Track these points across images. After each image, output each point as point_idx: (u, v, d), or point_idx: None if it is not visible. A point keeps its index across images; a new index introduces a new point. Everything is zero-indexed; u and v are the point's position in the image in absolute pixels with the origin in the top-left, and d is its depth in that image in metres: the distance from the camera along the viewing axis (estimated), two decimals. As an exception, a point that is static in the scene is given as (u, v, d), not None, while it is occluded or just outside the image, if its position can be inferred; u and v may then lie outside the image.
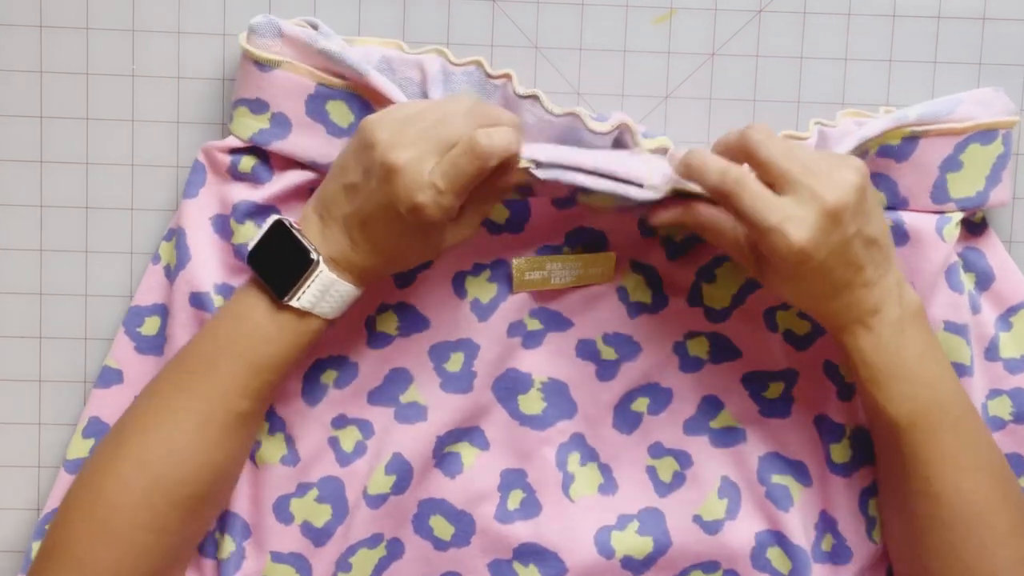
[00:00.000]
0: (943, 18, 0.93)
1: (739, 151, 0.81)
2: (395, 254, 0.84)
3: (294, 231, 0.84)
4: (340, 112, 0.89)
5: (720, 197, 0.81)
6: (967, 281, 0.91)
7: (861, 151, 0.88)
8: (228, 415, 0.83)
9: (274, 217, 0.85)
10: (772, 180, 0.80)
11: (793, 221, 0.78)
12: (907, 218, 0.90)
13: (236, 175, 0.90)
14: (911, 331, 0.82)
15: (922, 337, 0.83)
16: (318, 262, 0.82)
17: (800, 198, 0.79)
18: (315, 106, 0.89)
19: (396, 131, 0.81)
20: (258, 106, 0.89)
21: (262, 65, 0.88)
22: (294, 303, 0.83)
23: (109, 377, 0.92)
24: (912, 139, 0.88)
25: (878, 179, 0.89)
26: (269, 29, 0.88)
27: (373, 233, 0.82)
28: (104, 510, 0.82)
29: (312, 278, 0.83)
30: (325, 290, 0.83)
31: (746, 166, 0.81)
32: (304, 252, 0.83)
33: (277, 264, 0.83)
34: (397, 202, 0.80)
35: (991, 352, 0.91)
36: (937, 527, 0.83)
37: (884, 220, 0.83)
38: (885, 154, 0.88)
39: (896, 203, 0.90)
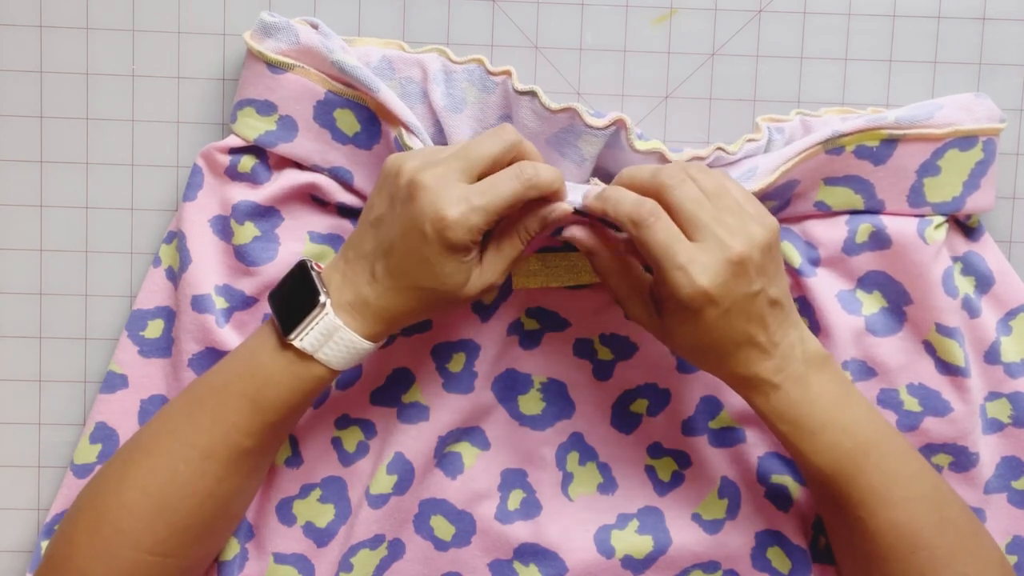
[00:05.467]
0: (943, 18, 0.93)
1: (651, 191, 0.81)
2: (413, 291, 0.81)
3: (312, 272, 0.83)
4: (347, 120, 0.89)
5: (632, 227, 0.80)
6: (967, 284, 0.91)
7: (835, 145, 0.88)
8: (231, 451, 0.83)
9: (300, 258, 0.84)
10: (681, 224, 0.80)
11: (698, 264, 0.78)
12: (888, 223, 0.89)
13: (235, 175, 0.90)
14: (817, 381, 0.82)
15: (832, 385, 0.83)
16: (324, 304, 0.81)
17: (707, 245, 0.79)
18: (323, 112, 0.89)
19: (423, 157, 0.81)
20: (266, 107, 0.89)
21: (274, 67, 0.88)
22: (296, 343, 0.81)
23: (114, 382, 0.92)
24: (890, 142, 0.88)
25: (855, 181, 0.89)
26: (287, 34, 0.88)
27: (392, 262, 0.81)
28: (108, 531, 0.82)
29: (317, 319, 0.81)
30: (329, 334, 0.81)
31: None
32: (315, 293, 0.82)
33: (290, 304, 0.82)
34: (422, 218, 0.79)
35: (991, 355, 0.91)
36: (878, 561, 0.83)
37: (787, 280, 0.83)
38: (863, 156, 0.88)
39: (873, 205, 0.90)
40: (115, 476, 0.84)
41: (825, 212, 0.90)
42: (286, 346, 0.82)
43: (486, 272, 0.83)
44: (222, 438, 0.83)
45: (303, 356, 0.82)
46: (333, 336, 0.81)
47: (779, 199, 0.89)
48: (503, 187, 0.80)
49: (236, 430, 0.83)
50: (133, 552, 0.82)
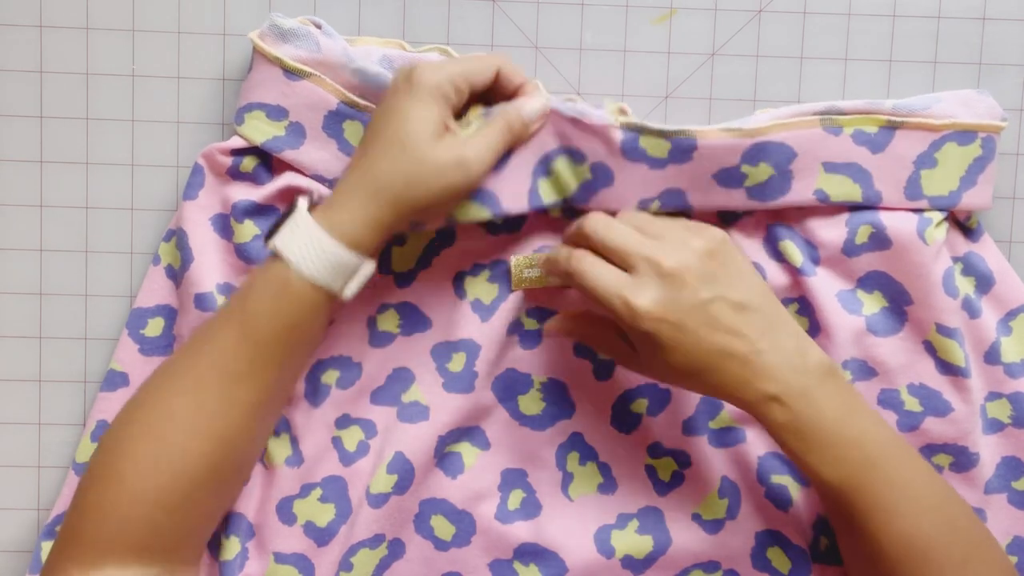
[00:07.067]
0: (943, 18, 0.93)
1: (580, 240, 0.83)
2: (378, 144, 0.82)
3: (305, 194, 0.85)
4: (355, 132, 0.89)
5: (570, 281, 0.82)
6: (967, 285, 0.91)
7: (833, 124, 0.88)
8: (222, 378, 0.82)
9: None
10: (615, 261, 0.81)
11: (633, 287, 0.80)
12: (887, 222, 0.89)
13: (236, 175, 0.90)
14: (823, 394, 0.81)
15: (838, 396, 0.82)
16: (297, 203, 0.82)
17: (639, 269, 0.80)
18: (332, 122, 0.89)
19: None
20: (277, 112, 0.89)
21: (290, 73, 0.88)
22: (271, 243, 0.82)
23: (114, 380, 0.92)
24: (889, 129, 0.88)
25: (853, 169, 0.89)
26: (307, 42, 0.88)
27: (367, 128, 0.84)
28: (115, 488, 0.81)
29: (290, 218, 0.82)
30: (295, 228, 0.81)
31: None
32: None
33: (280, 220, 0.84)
34: (398, 76, 0.83)
35: (991, 356, 0.91)
36: (887, 571, 0.83)
37: (759, 285, 0.83)
38: (861, 142, 0.88)
39: (870, 196, 0.89)
40: (118, 430, 0.83)
41: (825, 204, 0.89)
42: (267, 254, 0.83)
43: (468, 146, 0.83)
44: (212, 365, 0.82)
45: (278, 259, 0.82)
46: (300, 230, 0.81)
47: (778, 169, 0.88)
48: (478, 59, 0.85)
49: (224, 354, 0.82)
50: (140, 508, 0.81)
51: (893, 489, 0.82)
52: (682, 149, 0.87)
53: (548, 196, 0.88)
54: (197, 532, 0.85)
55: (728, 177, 0.88)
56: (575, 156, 0.87)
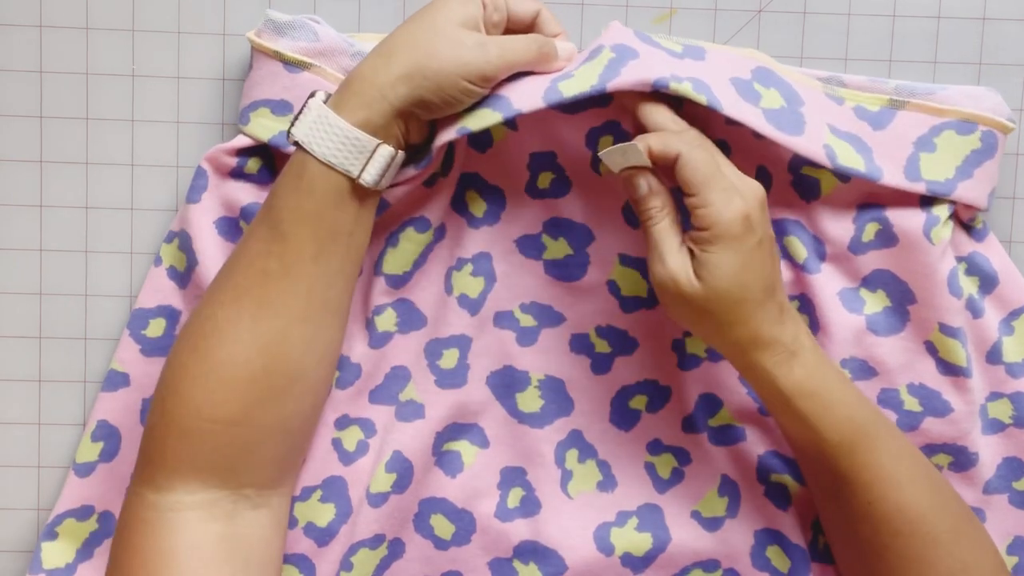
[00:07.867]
0: (943, 18, 0.93)
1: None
2: (402, 31, 0.82)
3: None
4: None
5: (679, 156, 0.81)
6: (971, 284, 0.91)
7: (835, 93, 0.88)
8: (256, 281, 0.82)
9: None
10: None
11: (740, 190, 0.81)
12: (894, 219, 0.89)
13: (240, 176, 0.90)
14: (823, 357, 0.84)
15: (831, 362, 0.85)
16: (314, 94, 0.83)
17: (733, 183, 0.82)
18: None
19: None
20: (282, 107, 0.89)
21: (291, 66, 0.88)
22: (291, 131, 0.82)
23: (115, 380, 0.92)
24: (891, 109, 0.88)
25: (856, 141, 0.88)
26: (304, 32, 0.88)
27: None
28: (172, 402, 0.82)
29: (306, 106, 0.82)
30: (306, 113, 0.82)
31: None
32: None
33: None
34: None
35: (993, 355, 0.91)
36: (880, 547, 0.84)
37: None
38: (862, 116, 0.88)
39: (872, 170, 0.88)
40: (174, 350, 0.84)
41: (833, 166, 0.87)
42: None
43: (493, 39, 0.83)
44: (248, 267, 0.82)
45: (296, 148, 0.82)
46: (310, 112, 0.82)
47: (788, 104, 0.87)
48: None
49: (257, 255, 0.82)
50: (196, 421, 0.81)
51: (891, 455, 0.83)
52: (694, 50, 0.86)
53: (569, 90, 0.84)
54: (260, 450, 0.83)
55: (744, 88, 0.86)
56: (594, 53, 0.85)
